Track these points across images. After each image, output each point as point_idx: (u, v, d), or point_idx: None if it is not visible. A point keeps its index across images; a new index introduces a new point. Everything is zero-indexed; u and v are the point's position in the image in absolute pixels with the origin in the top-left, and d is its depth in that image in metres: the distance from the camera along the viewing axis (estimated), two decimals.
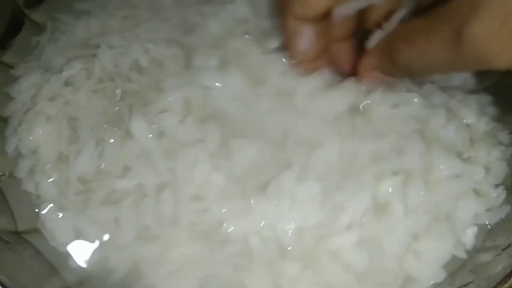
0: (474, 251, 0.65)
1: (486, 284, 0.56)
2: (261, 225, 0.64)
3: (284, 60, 0.72)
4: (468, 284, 0.59)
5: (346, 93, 0.69)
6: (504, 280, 0.55)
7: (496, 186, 0.67)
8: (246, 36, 0.75)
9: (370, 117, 0.69)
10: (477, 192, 0.67)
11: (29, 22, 0.80)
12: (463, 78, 0.76)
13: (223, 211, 0.64)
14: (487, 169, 0.67)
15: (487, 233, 0.65)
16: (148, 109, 0.69)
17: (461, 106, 0.70)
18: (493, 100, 0.73)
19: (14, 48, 0.78)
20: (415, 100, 0.69)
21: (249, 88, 0.71)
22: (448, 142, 0.68)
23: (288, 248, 0.64)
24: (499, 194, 0.66)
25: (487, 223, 0.66)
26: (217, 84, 0.70)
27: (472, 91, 0.74)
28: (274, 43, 0.74)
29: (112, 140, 0.69)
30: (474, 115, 0.70)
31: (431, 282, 0.63)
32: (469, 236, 0.66)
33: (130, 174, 0.67)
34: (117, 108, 0.72)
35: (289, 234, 0.63)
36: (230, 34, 0.76)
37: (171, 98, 0.69)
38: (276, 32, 0.75)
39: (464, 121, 0.70)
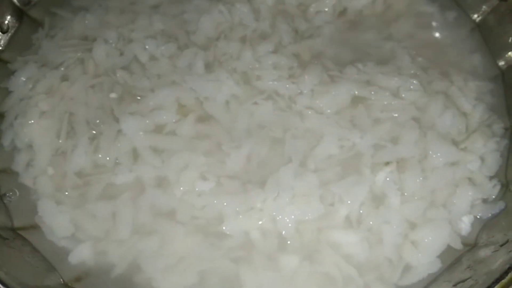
0: (472, 247, 0.65)
1: (484, 280, 0.56)
2: (261, 218, 0.64)
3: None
4: (466, 280, 0.59)
5: (347, 85, 0.70)
6: (502, 276, 0.55)
7: (490, 178, 0.68)
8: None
9: (370, 106, 0.70)
10: (472, 182, 0.67)
11: (27, 19, 0.80)
12: (473, 63, 0.77)
13: (222, 205, 0.64)
14: (482, 159, 0.68)
15: (484, 229, 0.66)
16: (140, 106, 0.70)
17: (459, 94, 0.71)
18: (494, 89, 0.74)
19: (12, 44, 0.78)
20: (415, 82, 0.70)
21: (241, 91, 0.72)
22: (443, 130, 0.69)
23: (288, 241, 0.64)
24: (494, 185, 0.67)
25: (483, 217, 0.67)
26: (205, 86, 0.71)
27: (478, 78, 0.75)
28: (270, 47, 0.75)
29: (107, 135, 0.68)
30: (471, 104, 0.71)
31: (428, 273, 0.63)
32: (466, 223, 0.66)
33: (127, 169, 0.67)
34: (112, 103, 0.72)
35: (289, 226, 0.63)
36: (223, 36, 0.76)
37: (160, 97, 0.70)
38: (274, 35, 0.76)
39: (461, 109, 0.71)
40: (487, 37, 0.79)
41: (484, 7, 0.79)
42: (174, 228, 0.64)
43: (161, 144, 0.69)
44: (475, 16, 0.80)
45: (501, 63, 0.77)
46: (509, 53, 0.76)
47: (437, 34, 0.79)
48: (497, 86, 0.75)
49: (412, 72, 0.73)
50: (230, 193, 0.65)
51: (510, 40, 0.76)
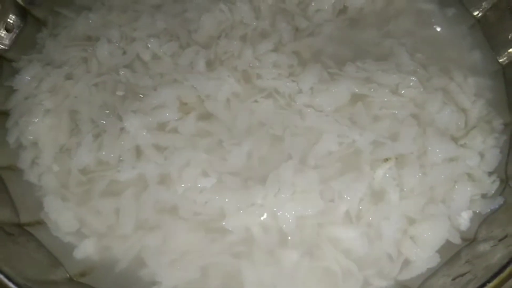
0: (471, 241, 0.66)
1: (483, 274, 0.57)
2: (262, 214, 0.65)
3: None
4: (464, 274, 0.60)
5: (347, 83, 0.70)
6: (501, 270, 0.55)
7: (490, 174, 0.69)
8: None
9: (369, 103, 0.70)
10: (471, 177, 0.68)
11: (31, 18, 0.81)
12: (473, 60, 0.77)
13: (224, 201, 0.65)
14: (481, 155, 0.68)
15: (483, 224, 0.66)
16: (143, 104, 0.71)
17: (458, 90, 0.72)
18: (494, 85, 0.75)
19: (17, 43, 0.79)
20: (414, 79, 0.70)
21: (242, 89, 0.72)
22: (442, 126, 0.69)
23: (289, 237, 0.64)
24: (493, 181, 0.68)
25: (482, 212, 0.67)
26: (206, 84, 0.72)
27: (478, 74, 0.75)
28: (270, 45, 0.75)
29: (111, 133, 0.69)
30: (470, 100, 0.71)
31: (426, 267, 0.64)
32: (465, 218, 0.67)
33: (130, 166, 0.68)
34: (116, 101, 0.73)
35: (289, 222, 0.64)
36: (224, 35, 0.77)
37: (163, 95, 0.71)
38: (274, 33, 0.77)
39: (460, 105, 0.71)
40: (487, 33, 0.79)
41: (484, 3, 0.79)
42: (177, 224, 0.65)
43: (164, 141, 0.69)
44: (475, 12, 0.81)
45: (502, 59, 0.77)
46: (510, 49, 0.76)
47: (437, 31, 0.80)
48: (497, 82, 0.75)
49: (411, 68, 0.73)
50: (231, 190, 0.66)
51: (510, 37, 0.76)
